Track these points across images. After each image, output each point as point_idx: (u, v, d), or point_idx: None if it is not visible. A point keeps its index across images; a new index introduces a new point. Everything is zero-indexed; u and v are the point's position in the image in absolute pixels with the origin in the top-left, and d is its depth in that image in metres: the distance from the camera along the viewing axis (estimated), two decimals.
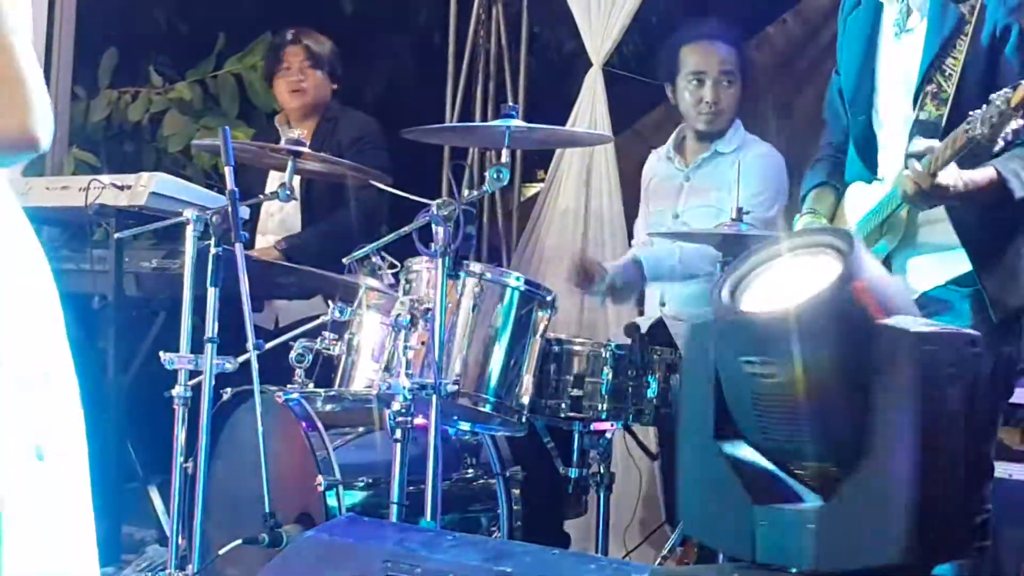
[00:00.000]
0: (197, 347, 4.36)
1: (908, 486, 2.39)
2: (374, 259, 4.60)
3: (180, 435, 4.40)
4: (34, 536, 2.57)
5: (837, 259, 2.56)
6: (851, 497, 2.46)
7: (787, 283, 2.68)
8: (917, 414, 2.41)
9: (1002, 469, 4.01)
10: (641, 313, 5.31)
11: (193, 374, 4.37)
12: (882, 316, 2.47)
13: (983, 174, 3.31)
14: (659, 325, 5.01)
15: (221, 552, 4.19)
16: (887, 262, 3.55)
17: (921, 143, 3.31)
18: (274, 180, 5.20)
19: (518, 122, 4.36)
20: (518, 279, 4.37)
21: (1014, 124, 3.12)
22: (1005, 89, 3.14)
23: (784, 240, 2.82)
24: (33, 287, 2.63)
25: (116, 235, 5.04)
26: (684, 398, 2.80)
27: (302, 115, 5.88)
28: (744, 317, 2.64)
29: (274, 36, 6.09)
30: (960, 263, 3.47)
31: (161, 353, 4.47)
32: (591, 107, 6.23)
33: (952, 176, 3.26)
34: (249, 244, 5.42)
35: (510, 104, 4.74)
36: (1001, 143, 3.18)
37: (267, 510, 4.13)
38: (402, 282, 4.35)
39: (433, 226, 4.18)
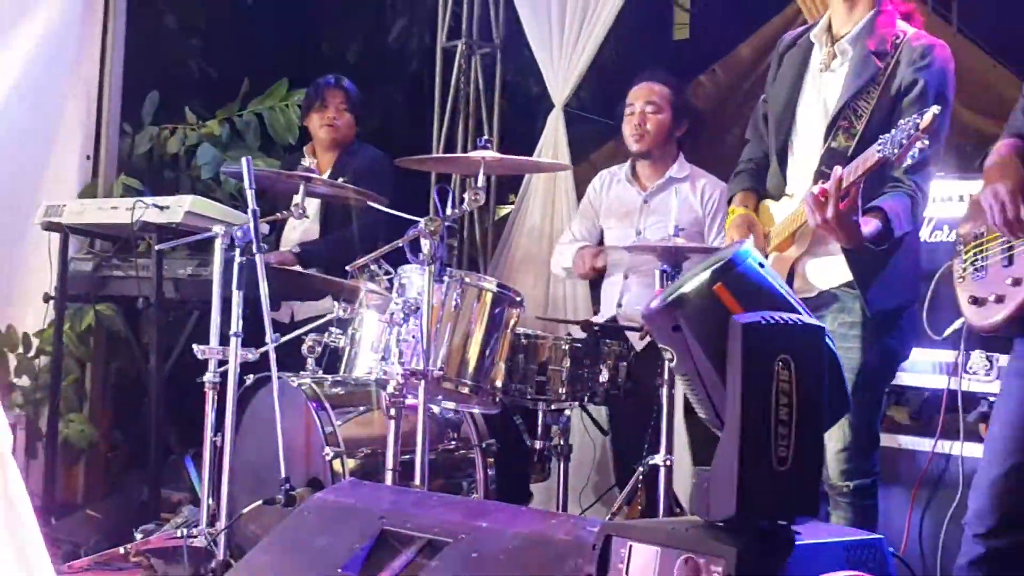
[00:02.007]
0: (224, 340, 4.36)
1: (736, 452, 2.36)
2: (372, 267, 4.60)
3: (210, 414, 4.40)
4: None
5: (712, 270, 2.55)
6: (714, 462, 2.44)
7: None
8: (744, 390, 2.37)
9: (892, 440, 4.04)
10: (596, 312, 5.32)
11: (221, 363, 4.38)
12: (739, 311, 2.44)
13: (870, 226, 3.38)
14: (611, 322, 5.02)
15: (244, 511, 4.19)
16: (795, 264, 3.63)
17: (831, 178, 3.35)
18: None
19: (492, 153, 4.38)
20: (492, 283, 4.38)
21: (919, 144, 3.18)
22: (914, 115, 3.20)
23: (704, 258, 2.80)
24: None
25: (157, 247, 5.04)
26: None
27: (328, 146, 5.87)
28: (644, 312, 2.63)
29: (317, 79, 6.06)
30: None
31: (195, 346, 4.47)
32: (554, 141, 6.22)
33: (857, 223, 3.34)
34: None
35: (485, 138, 4.75)
36: (909, 160, 3.23)
37: (283, 476, 4.13)
38: (396, 285, 4.35)
39: (421, 239, 4.20)
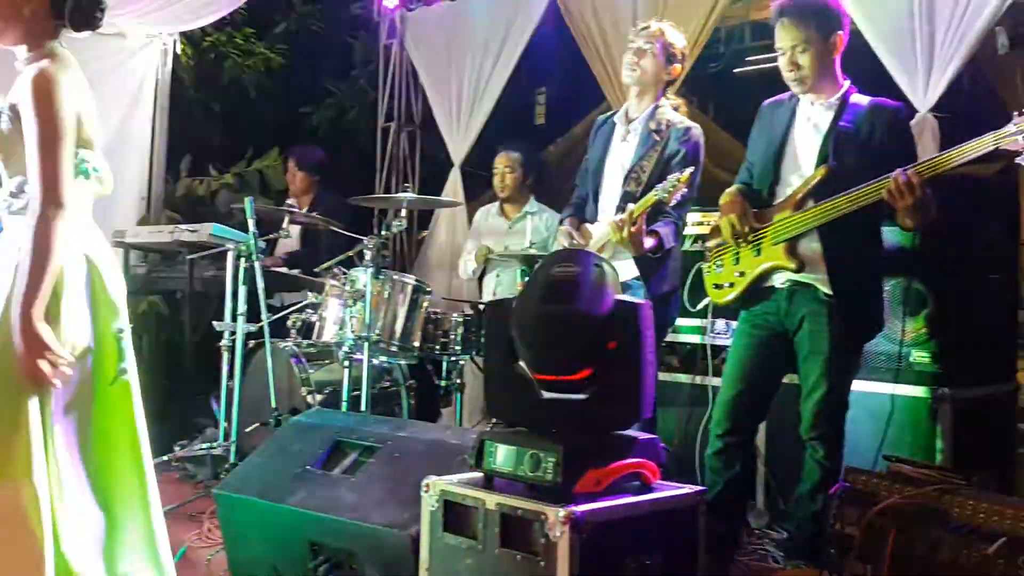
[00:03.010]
0: (234, 318, 4.32)
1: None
2: (334, 269, 4.57)
3: (225, 367, 4.36)
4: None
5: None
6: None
7: None
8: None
9: (670, 376, 4.10)
10: (481, 296, 5.34)
11: (232, 333, 4.34)
12: None
13: (650, 241, 3.42)
14: (490, 304, 5.03)
15: (248, 430, 4.16)
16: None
17: (625, 211, 3.41)
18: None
19: (412, 195, 4.39)
20: (411, 279, 4.39)
21: (680, 192, 3.29)
22: (676, 174, 3.32)
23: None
24: (109, 278, 2.54)
25: (189, 257, 4.97)
26: (490, 340, 2.66)
27: (300, 193, 5.82)
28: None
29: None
30: None
31: (214, 322, 4.43)
32: (454, 188, 6.22)
33: (643, 240, 3.39)
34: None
35: (407, 184, 4.75)
36: (673, 202, 3.32)
37: (273, 406, 4.10)
38: (348, 280, 4.34)
39: (365, 250, 4.19)
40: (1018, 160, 2.72)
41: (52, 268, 2.24)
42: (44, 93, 2.24)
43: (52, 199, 2.24)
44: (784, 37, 3.13)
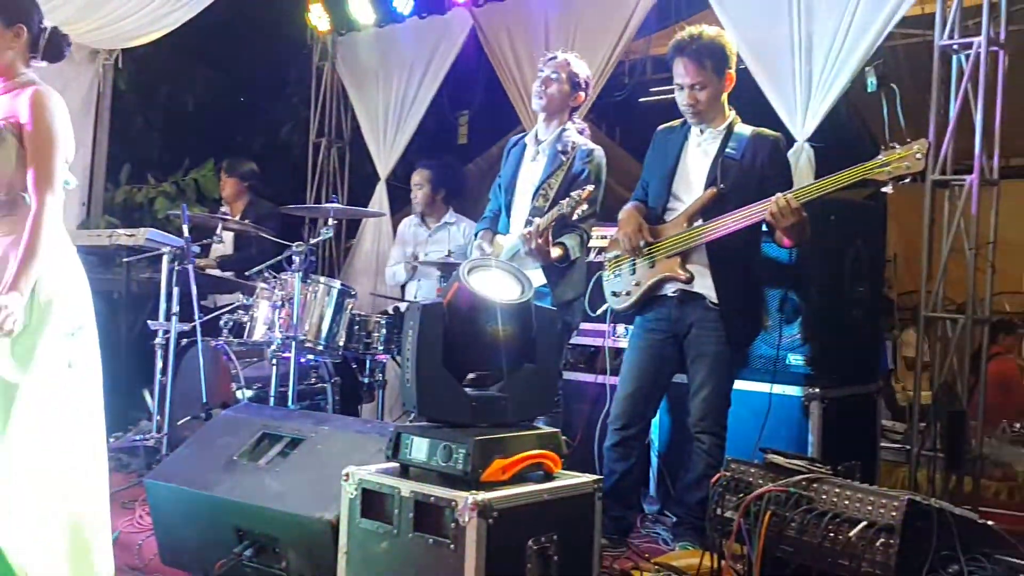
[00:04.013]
0: (168, 318, 4.20)
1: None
2: (265, 273, 4.48)
3: (159, 364, 4.24)
4: (66, 411, 2.45)
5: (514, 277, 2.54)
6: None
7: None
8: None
9: (574, 376, 4.10)
10: (403, 300, 5.30)
11: (166, 332, 4.22)
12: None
13: (556, 252, 3.40)
14: (424, 307, 4.98)
15: (179, 423, 4.05)
16: None
17: (533, 224, 3.40)
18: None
19: (339, 205, 4.34)
20: (337, 283, 4.32)
21: (580, 208, 3.28)
22: (577, 191, 3.30)
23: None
24: (76, 280, 2.51)
25: (125, 260, 4.82)
26: (421, 340, 2.44)
27: (232, 199, 5.68)
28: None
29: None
30: None
31: (149, 321, 4.30)
32: (379, 200, 6.19)
33: (550, 251, 3.38)
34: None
35: (335, 196, 4.67)
36: (576, 216, 3.32)
37: (204, 400, 4.00)
38: (279, 283, 4.26)
39: (294, 256, 4.12)
40: (884, 189, 2.82)
41: (42, 252, 2.39)
42: (44, 108, 2.45)
43: (49, 190, 2.43)
44: (682, 74, 3.17)
